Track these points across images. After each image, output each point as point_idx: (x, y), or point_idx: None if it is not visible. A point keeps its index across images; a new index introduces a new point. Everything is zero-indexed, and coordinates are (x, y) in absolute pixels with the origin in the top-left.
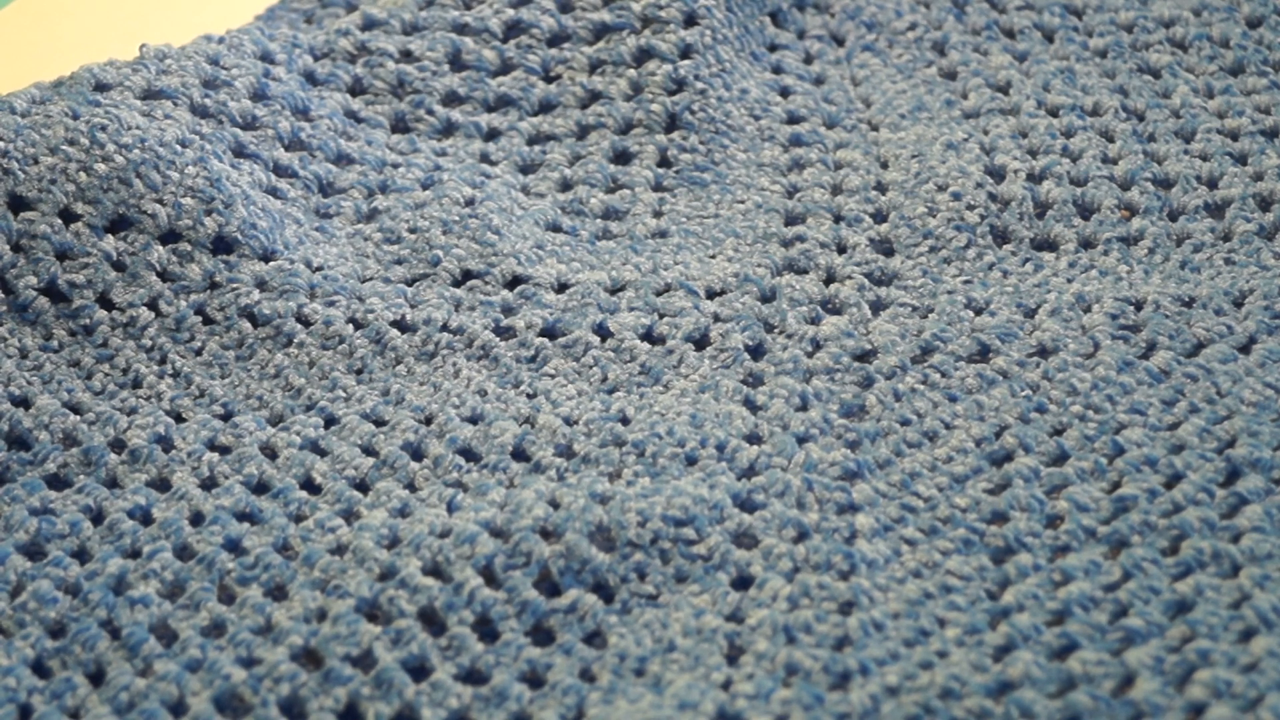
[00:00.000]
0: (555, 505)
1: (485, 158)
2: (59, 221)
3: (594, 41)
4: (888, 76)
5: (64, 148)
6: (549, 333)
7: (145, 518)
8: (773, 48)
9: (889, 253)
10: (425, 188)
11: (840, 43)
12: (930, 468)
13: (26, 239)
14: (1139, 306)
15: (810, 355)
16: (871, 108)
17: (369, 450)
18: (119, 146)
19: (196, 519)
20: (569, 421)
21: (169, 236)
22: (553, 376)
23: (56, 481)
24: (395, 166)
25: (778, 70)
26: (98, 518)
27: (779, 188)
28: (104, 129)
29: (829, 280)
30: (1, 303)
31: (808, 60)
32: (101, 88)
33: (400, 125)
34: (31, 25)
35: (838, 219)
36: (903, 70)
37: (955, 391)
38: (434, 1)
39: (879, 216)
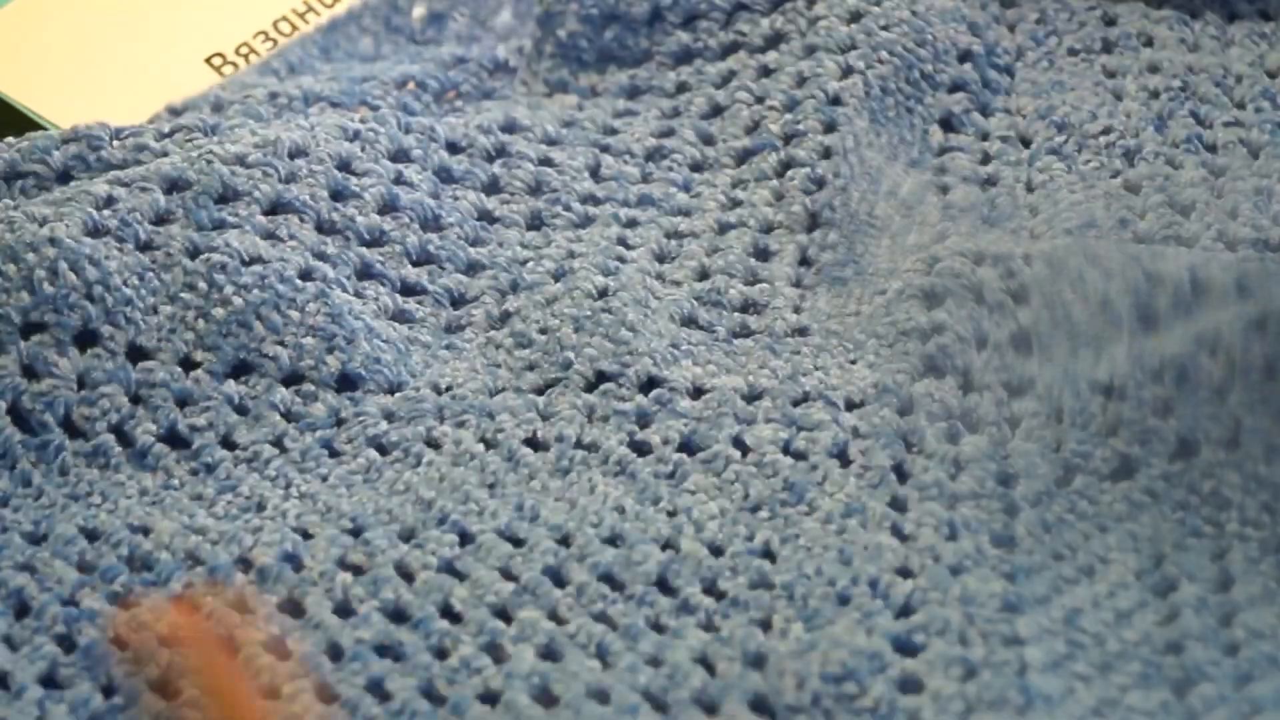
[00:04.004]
0: (710, 670)
1: (622, 242)
2: (179, 369)
3: (737, 166)
4: (1067, 184)
5: (182, 295)
6: (686, 447)
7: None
8: (943, 151)
9: (1027, 350)
10: (557, 279)
11: (1027, 144)
12: (1093, 604)
13: (145, 388)
14: None
15: (953, 479)
16: (1038, 217)
17: (508, 574)
18: (237, 288)
19: (335, 653)
20: (714, 551)
21: (291, 378)
22: (693, 493)
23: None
24: (525, 263)
25: (942, 171)
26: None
27: (920, 265)
28: (223, 269)
29: (966, 388)
30: (120, 454)
31: (985, 161)
32: (226, 198)
33: (535, 223)
34: (31, 25)
35: (979, 300)
36: (1085, 178)
37: (1105, 520)
38: (575, 123)
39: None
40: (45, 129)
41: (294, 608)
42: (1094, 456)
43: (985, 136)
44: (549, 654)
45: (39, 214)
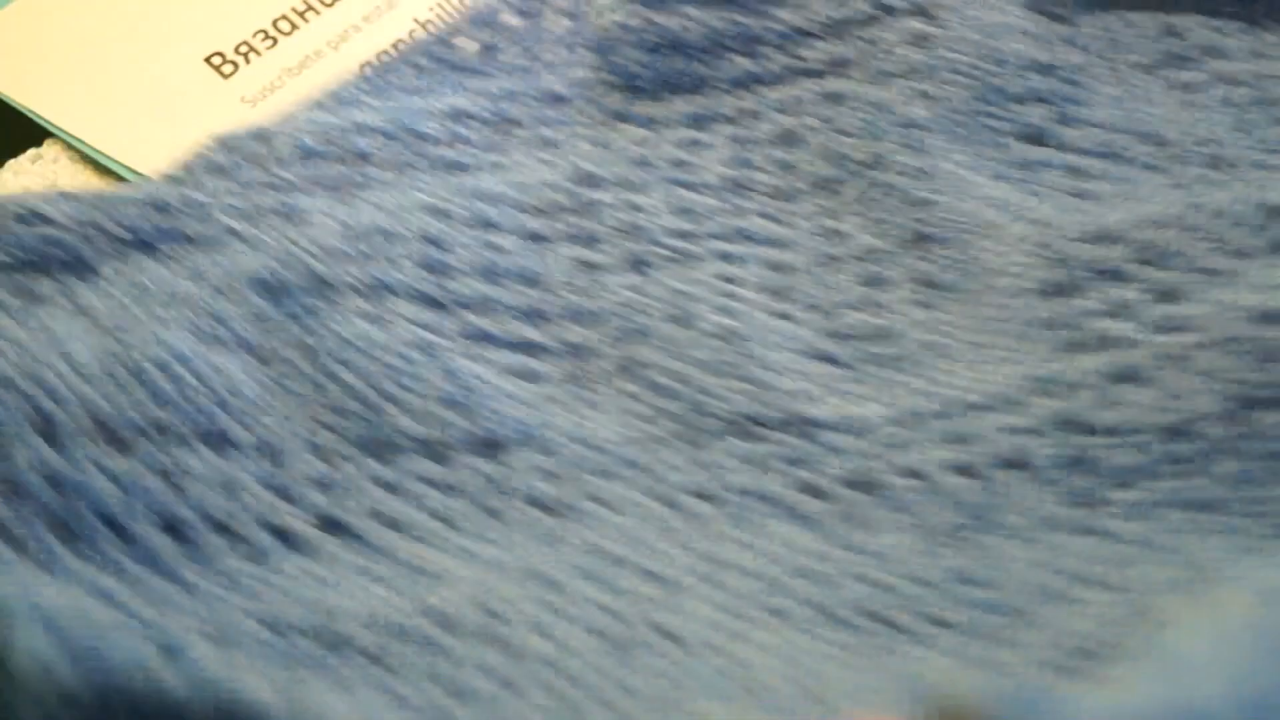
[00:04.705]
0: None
1: (728, 278)
2: (314, 460)
3: (822, 194)
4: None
5: (303, 392)
6: (853, 483)
7: None
8: (1027, 165)
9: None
10: (674, 322)
11: (1111, 157)
12: None
13: (284, 480)
14: None
15: (1143, 449)
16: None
17: (723, 610)
18: (355, 373)
19: None
20: (918, 584)
21: (428, 448)
22: (875, 530)
23: None
24: (640, 310)
25: (1030, 182)
26: None
27: (1036, 256)
28: (332, 354)
29: (1116, 353)
30: (271, 544)
31: (1073, 175)
32: (321, 290)
33: (633, 266)
34: (31, 25)
35: (1113, 277)
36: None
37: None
38: (646, 162)
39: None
40: (46, 129)
41: (503, 647)
42: None
43: (1067, 149)
44: None
45: (141, 320)
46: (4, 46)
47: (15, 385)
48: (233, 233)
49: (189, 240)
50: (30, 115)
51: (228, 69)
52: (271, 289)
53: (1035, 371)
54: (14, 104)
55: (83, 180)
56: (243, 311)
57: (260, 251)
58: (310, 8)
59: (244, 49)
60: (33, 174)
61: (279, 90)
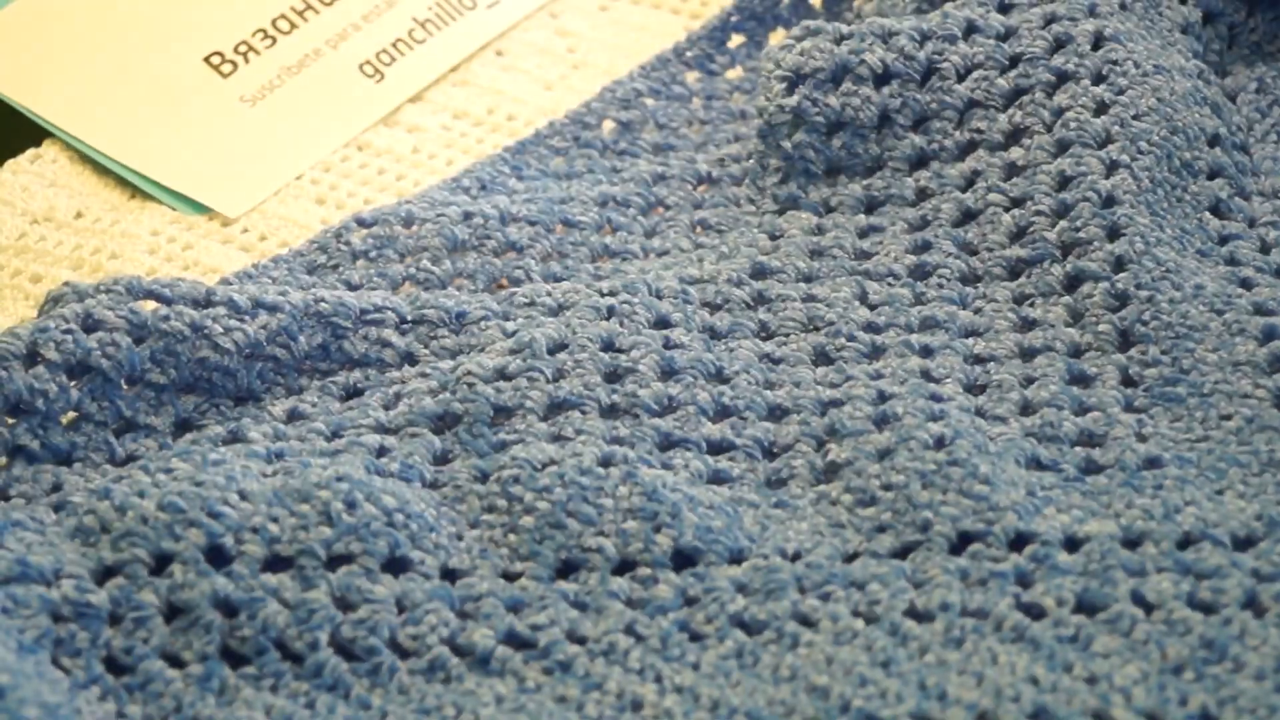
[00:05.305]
0: None
1: (926, 374)
2: (502, 582)
3: (1012, 278)
4: None
5: (484, 518)
6: (1082, 607)
7: None
8: (1223, 240)
9: None
10: (880, 425)
11: None
12: None
13: (470, 602)
14: None
15: None
16: None
17: None
18: (538, 493)
19: None
20: (1151, 719)
21: (623, 565)
22: (1105, 657)
23: None
24: (837, 405)
25: (1233, 262)
26: None
27: (1264, 393)
28: (517, 481)
29: None
30: (459, 664)
31: (1264, 249)
32: (499, 418)
33: (821, 358)
34: (31, 25)
35: None
36: None
37: None
38: (824, 253)
39: None
40: (46, 130)
41: None
42: None
43: (1253, 223)
44: None
45: (315, 460)
46: (4, 46)
47: (187, 516)
48: (397, 350)
49: (355, 362)
50: (30, 115)
51: (227, 68)
52: (448, 422)
53: (1272, 513)
54: (14, 104)
55: (82, 180)
56: (419, 449)
57: (432, 380)
58: (309, 7)
59: (243, 48)
60: (32, 174)
61: (278, 89)
